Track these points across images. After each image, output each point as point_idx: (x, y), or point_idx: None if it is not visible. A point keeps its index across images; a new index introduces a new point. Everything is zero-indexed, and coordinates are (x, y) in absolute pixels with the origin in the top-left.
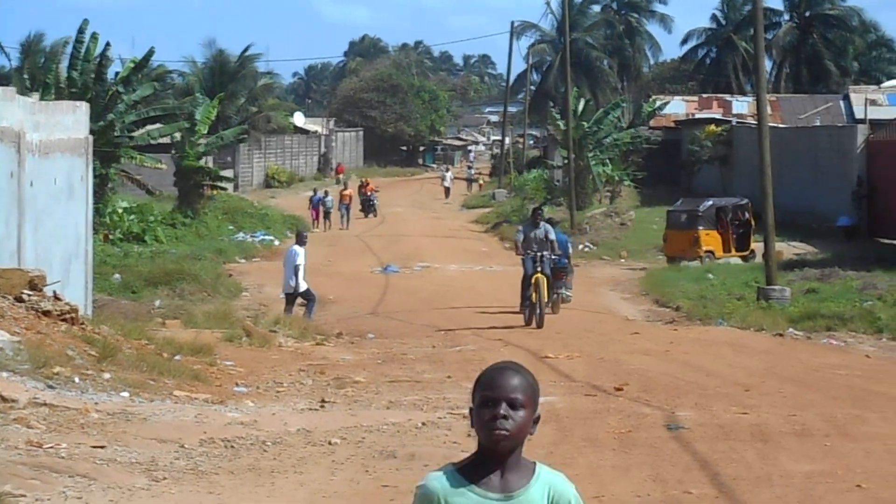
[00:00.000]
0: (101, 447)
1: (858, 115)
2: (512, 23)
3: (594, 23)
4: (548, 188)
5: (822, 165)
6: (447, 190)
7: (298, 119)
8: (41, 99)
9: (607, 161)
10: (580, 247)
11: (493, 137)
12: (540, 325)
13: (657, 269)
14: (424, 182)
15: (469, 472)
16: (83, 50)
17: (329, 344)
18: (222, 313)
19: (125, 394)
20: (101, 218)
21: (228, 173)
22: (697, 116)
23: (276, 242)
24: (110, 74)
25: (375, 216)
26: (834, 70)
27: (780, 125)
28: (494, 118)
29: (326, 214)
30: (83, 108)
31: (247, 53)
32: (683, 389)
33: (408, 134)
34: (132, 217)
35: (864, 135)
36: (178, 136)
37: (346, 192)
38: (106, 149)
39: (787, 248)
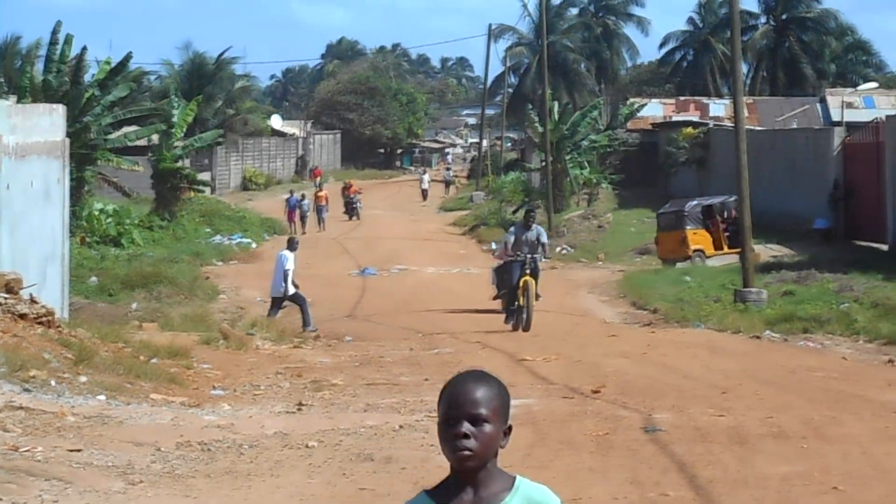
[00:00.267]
0: (78, 451)
1: (835, 117)
2: (489, 25)
3: (571, 25)
4: (525, 191)
5: (798, 168)
6: (424, 192)
7: (276, 122)
8: (18, 102)
9: (585, 164)
10: (558, 249)
11: (470, 140)
12: (527, 329)
13: (635, 272)
14: (402, 185)
15: (441, 494)
16: (58, 52)
17: (306, 347)
18: (199, 316)
19: (102, 397)
20: (78, 221)
21: (206, 176)
22: (674, 119)
23: (254, 245)
24: (87, 77)
25: (358, 218)
26: (810, 73)
27: (757, 128)
28: (472, 121)
29: (303, 217)
30: (60, 110)
31: (224, 56)
32: (661, 392)
33: (385, 136)
34: (109, 220)
35: (840, 137)
36: (154, 138)
37: (322, 193)
38: (82, 151)
39: (764, 251)
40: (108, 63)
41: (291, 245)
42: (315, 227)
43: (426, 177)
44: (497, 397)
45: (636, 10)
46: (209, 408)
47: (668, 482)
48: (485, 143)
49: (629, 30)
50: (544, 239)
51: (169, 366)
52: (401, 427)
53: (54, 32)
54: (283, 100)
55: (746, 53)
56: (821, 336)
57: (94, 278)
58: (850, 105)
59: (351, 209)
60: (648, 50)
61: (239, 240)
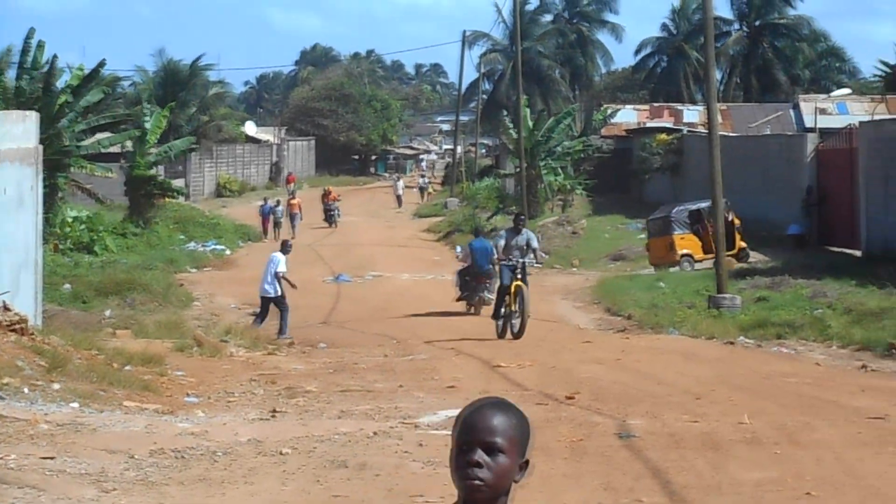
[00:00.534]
0: (51, 458)
1: (808, 123)
2: (463, 32)
3: (546, 32)
4: (499, 197)
5: (772, 174)
6: (398, 199)
7: (250, 128)
8: None
9: (559, 170)
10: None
11: (445, 146)
12: (519, 336)
13: (609, 278)
14: (376, 191)
15: None
16: (30, 59)
17: (280, 353)
18: (173, 323)
19: (75, 404)
20: (51, 228)
21: (179, 182)
22: (648, 125)
23: (228, 252)
24: (59, 83)
25: (336, 226)
26: (783, 79)
27: (731, 134)
28: (446, 127)
29: (277, 224)
30: (33, 117)
31: (198, 62)
32: (635, 398)
33: (359, 143)
34: (82, 227)
35: (813, 143)
36: (128, 145)
37: (295, 200)
38: (55, 158)
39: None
40: (81, 69)
41: (284, 248)
42: (288, 233)
43: (400, 183)
44: (515, 427)
45: (610, 17)
46: (183, 415)
47: (641, 488)
48: (459, 149)
49: (603, 36)
50: (535, 243)
51: (142, 373)
52: (375, 434)
53: (27, 39)
54: (258, 106)
55: (720, 59)
56: (794, 342)
57: (67, 285)
58: (823, 111)
59: (329, 216)
60: (623, 56)
61: (213, 247)
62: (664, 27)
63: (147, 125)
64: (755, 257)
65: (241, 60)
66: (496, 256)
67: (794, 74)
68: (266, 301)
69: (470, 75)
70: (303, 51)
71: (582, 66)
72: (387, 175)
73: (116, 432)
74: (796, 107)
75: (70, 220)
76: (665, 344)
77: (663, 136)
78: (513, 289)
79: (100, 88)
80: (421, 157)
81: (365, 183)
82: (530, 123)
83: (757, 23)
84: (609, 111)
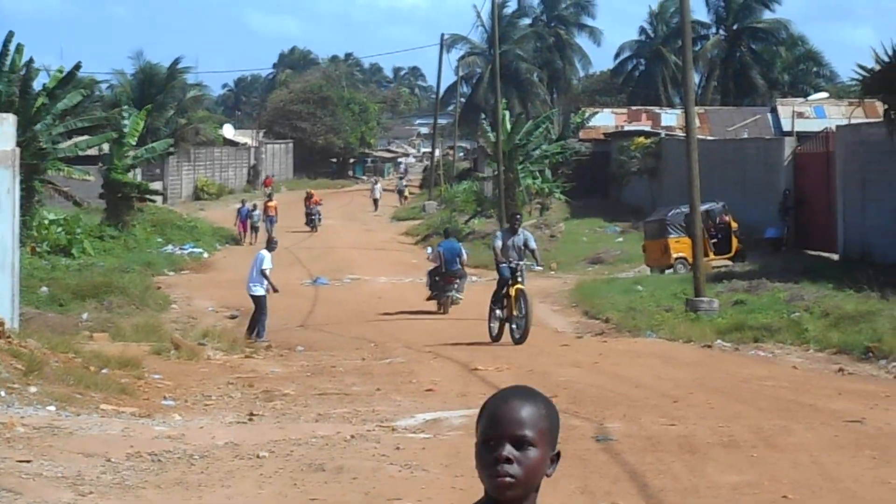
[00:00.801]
0: (27, 461)
1: (786, 127)
2: (442, 35)
3: (524, 35)
4: (478, 200)
5: (750, 177)
6: (375, 202)
7: (228, 131)
8: None
9: (537, 173)
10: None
11: (423, 149)
12: (521, 341)
13: (587, 281)
14: (354, 194)
15: None
16: (8, 62)
17: (258, 357)
18: (150, 326)
19: (52, 407)
20: (28, 230)
21: (157, 185)
22: (626, 129)
23: (205, 255)
24: (37, 86)
25: (316, 230)
26: (761, 83)
27: (709, 137)
28: (425, 130)
29: (254, 227)
30: (10, 119)
31: (176, 65)
32: (612, 401)
33: (338, 146)
34: (59, 229)
35: (791, 147)
36: (105, 147)
37: (271, 203)
38: (33, 161)
39: (718, 260)
40: (60, 72)
41: (270, 245)
42: (264, 237)
43: (378, 186)
44: (545, 418)
45: (588, 21)
46: (160, 418)
47: (618, 491)
48: (437, 152)
49: (581, 40)
50: (533, 244)
51: (119, 376)
52: (352, 437)
53: (6, 43)
54: (236, 109)
55: (698, 63)
56: (771, 345)
57: (44, 288)
58: (800, 115)
59: (310, 220)
60: (601, 59)
61: (191, 249)
62: (642, 31)
63: (125, 128)
64: (718, 263)
65: (219, 63)
66: (495, 258)
67: (771, 78)
68: (256, 299)
69: (448, 78)
70: (281, 53)
71: (560, 69)
72: (365, 178)
73: (93, 435)
74: (774, 110)
75: (47, 222)
76: (643, 347)
77: (641, 139)
78: (513, 293)
79: (77, 91)
80: (399, 160)
81: (343, 186)
82: (508, 127)
83: (735, 26)
84: (587, 114)
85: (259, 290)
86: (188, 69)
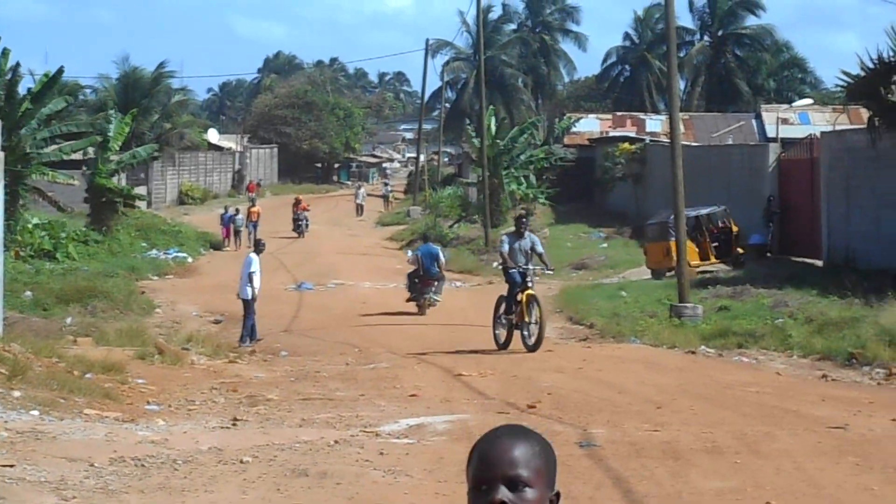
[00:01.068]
0: (10, 466)
1: (770, 133)
2: (427, 40)
3: (509, 41)
4: (462, 205)
5: (734, 184)
6: (359, 207)
7: (213, 136)
8: None
9: (522, 179)
10: (494, 264)
11: (408, 155)
12: (535, 348)
13: (571, 287)
14: (339, 199)
15: None
16: None
17: (242, 362)
18: (134, 331)
19: (35, 412)
20: (12, 235)
21: (142, 190)
22: (611, 134)
23: (189, 260)
24: (21, 90)
25: (302, 236)
26: (746, 89)
27: (693, 143)
28: (409, 135)
29: (237, 232)
30: None
31: (160, 69)
32: (596, 407)
33: (322, 151)
34: (43, 234)
35: (775, 153)
36: (90, 152)
37: (255, 209)
38: (17, 165)
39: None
40: (46, 76)
41: (257, 248)
42: (247, 242)
43: (362, 191)
44: (540, 455)
45: (573, 27)
46: (143, 423)
47: (602, 497)
48: (422, 157)
49: (567, 45)
50: (540, 248)
51: (103, 381)
52: (336, 442)
53: None
54: (220, 114)
55: (683, 69)
56: (755, 351)
57: (28, 293)
58: (785, 121)
59: (298, 225)
60: (586, 65)
61: (175, 254)
62: (627, 37)
63: (110, 132)
64: (717, 266)
65: (204, 67)
66: (503, 263)
67: (756, 84)
68: (244, 303)
69: (433, 84)
70: (266, 58)
71: (545, 74)
72: (349, 183)
73: (77, 440)
74: (759, 117)
75: (31, 227)
76: (627, 353)
77: (626, 145)
78: (524, 298)
79: (62, 98)
80: (384, 165)
81: (328, 191)
82: (493, 131)
83: (720, 33)
84: (572, 120)
85: (249, 293)
86: (173, 73)
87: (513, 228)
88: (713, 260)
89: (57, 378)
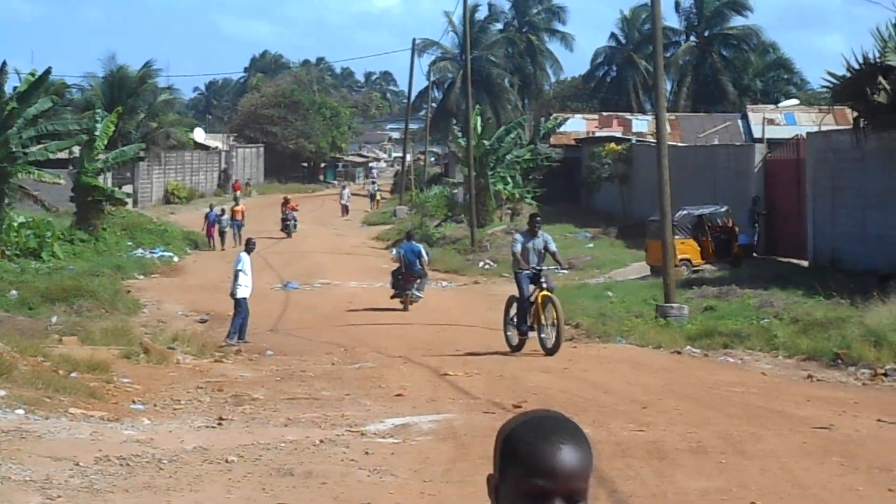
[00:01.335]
0: None
1: (756, 134)
2: (413, 40)
3: (496, 41)
4: (449, 205)
5: (720, 184)
6: (344, 208)
7: (199, 135)
8: None
9: (508, 178)
10: (480, 264)
11: (394, 154)
12: (554, 352)
13: (557, 287)
14: (325, 199)
15: None
16: None
17: (227, 361)
18: (120, 330)
19: (20, 411)
20: None
21: (128, 189)
22: (598, 135)
23: (175, 259)
24: (8, 89)
25: (290, 236)
26: (732, 90)
27: (680, 144)
28: (396, 135)
29: (222, 232)
30: None
31: (147, 68)
32: (582, 406)
33: (309, 150)
34: (29, 233)
35: (761, 154)
36: (76, 151)
37: (238, 208)
38: (3, 164)
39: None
40: (32, 75)
41: (248, 246)
42: (232, 241)
43: (346, 191)
44: (590, 461)
45: (559, 26)
46: (128, 422)
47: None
48: (408, 157)
49: (553, 45)
50: (553, 246)
51: (89, 380)
52: (321, 441)
53: None
54: (207, 113)
55: (669, 70)
56: (741, 351)
57: (14, 292)
58: (771, 122)
59: (286, 225)
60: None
61: (161, 253)
62: (613, 37)
63: (96, 132)
64: (703, 266)
65: (190, 67)
66: (517, 264)
67: (742, 85)
68: (236, 301)
69: (420, 83)
70: (252, 58)
71: (531, 74)
72: (336, 182)
73: (62, 439)
74: (745, 117)
75: (17, 225)
76: (612, 353)
77: (612, 145)
78: (539, 300)
79: (48, 97)
80: (371, 164)
81: (314, 190)
82: (479, 131)
83: (706, 33)
84: (559, 120)
85: (241, 292)
86: (159, 71)
87: (526, 227)
88: (714, 259)
89: (42, 377)
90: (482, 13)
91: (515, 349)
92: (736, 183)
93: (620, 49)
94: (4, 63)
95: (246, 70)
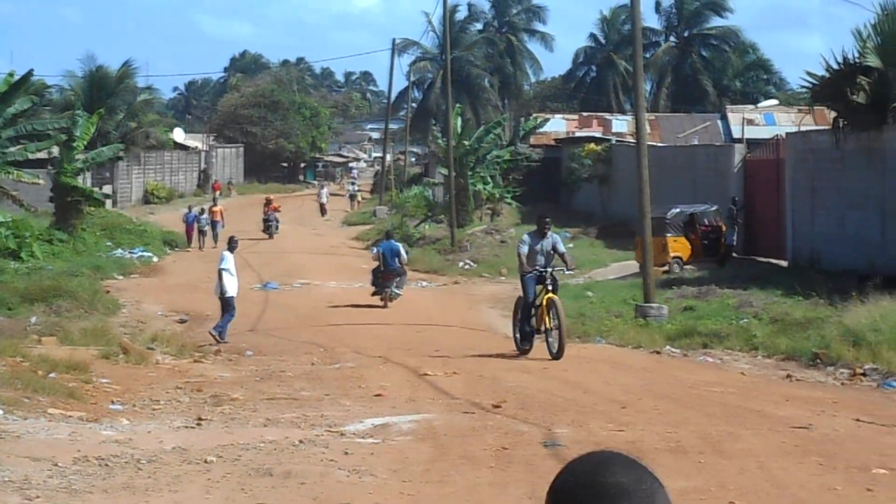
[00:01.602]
0: None
1: (736, 134)
2: (393, 40)
3: (475, 41)
4: (428, 205)
5: (700, 184)
6: (322, 207)
7: (178, 135)
8: None
9: (488, 179)
10: (460, 264)
11: (374, 154)
12: (559, 356)
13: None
14: (305, 199)
15: None
16: None
17: (206, 361)
18: (99, 330)
19: None
20: None
21: (107, 189)
22: (578, 135)
23: (155, 259)
24: None
25: (271, 237)
26: (712, 90)
27: (659, 144)
28: (376, 135)
29: (201, 232)
30: None
31: (126, 68)
32: (561, 406)
33: (288, 150)
34: (7, 232)
35: (741, 154)
36: (55, 151)
37: (216, 208)
38: None
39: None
40: (11, 75)
41: (230, 244)
42: (210, 241)
43: (325, 191)
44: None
45: (539, 26)
46: (107, 423)
47: None
48: (388, 157)
49: (533, 45)
50: (562, 248)
51: (67, 380)
52: (301, 442)
53: None
54: (186, 113)
55: (649, 70)
56: (720, 351)
57: None
58: (750, 122)
59: (268, 226)
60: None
61: (140, 254)
62: (593, 37)
63: (75, 132)
64: (706, 264)
65: (170, 66)
66: (520, 266)
67: (722, 85)
68: (223, 300)
69: (400, 83)
70: (232, 58)
71: (511, 74)
72: (315, 183)
73: (40, 440)
74: (724, 117)
75: None
76: (592, 353)
77: (592, 145)
78: (544, 302)
79: (28, 97)
80: (350, 164)
81: (294, 191)
82: (459, 131)
83: (686, 34)
84: (538, 120)
85: (231, 291)
86: (138, 71)
87: (534, 227)
88: (702, 258)
89: (21, 377)
90: (462, 13)
91: (522, 352)
92: (715, 183)
93: (600, 49)
94: None
95: (225, 70)
